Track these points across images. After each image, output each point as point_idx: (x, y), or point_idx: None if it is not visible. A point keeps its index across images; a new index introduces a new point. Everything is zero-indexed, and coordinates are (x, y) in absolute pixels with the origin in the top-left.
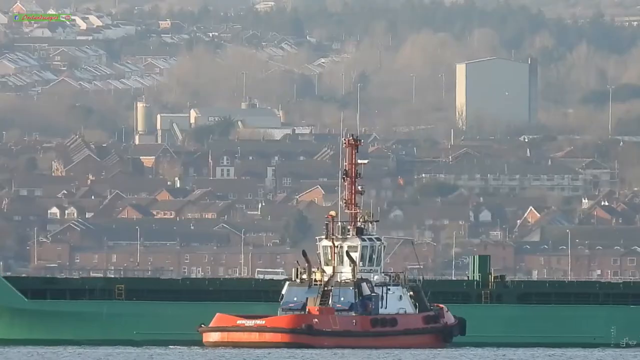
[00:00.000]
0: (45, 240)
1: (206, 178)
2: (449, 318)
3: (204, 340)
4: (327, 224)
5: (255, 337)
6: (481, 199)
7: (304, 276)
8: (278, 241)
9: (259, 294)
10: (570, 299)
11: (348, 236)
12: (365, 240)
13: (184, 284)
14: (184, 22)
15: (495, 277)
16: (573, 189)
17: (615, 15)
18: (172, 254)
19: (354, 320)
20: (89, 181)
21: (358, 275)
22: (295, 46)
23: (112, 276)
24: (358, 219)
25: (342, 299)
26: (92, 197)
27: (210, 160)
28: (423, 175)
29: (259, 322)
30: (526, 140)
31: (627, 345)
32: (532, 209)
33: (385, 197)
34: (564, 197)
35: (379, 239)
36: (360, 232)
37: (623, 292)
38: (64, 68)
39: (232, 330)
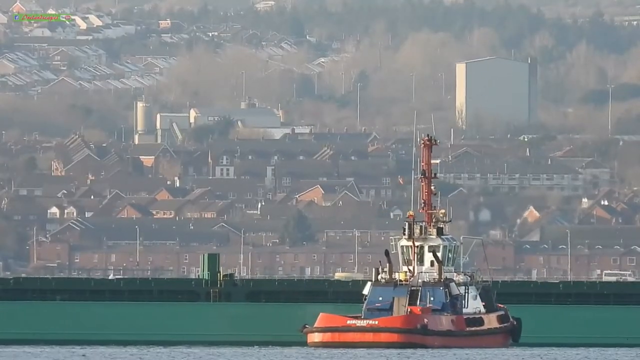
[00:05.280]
0: (44, 240)
1: (206, 177)
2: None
3: (308, 340)
4: (407, 224)
5: (369, 337)
6: (481, 198)
7: (382, 275)
8: (277, 241)
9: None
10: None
11: (429, 236)
12: (445, 241)
13: None
14: (184, 21)
15: (224, 276)
16: (573, 189)
17: (614, 14)
18: (171, 253)
19: (452, 320)
20: (88, 181)
21: (443, 275)
22: (295, 46)
23: None
24: (432, 219)
25: (432, 299)
26: (92, 197)
27: (209, 160)
28: None
29: (371, 322)
30: (526, 139)
31: None
32: (532, 208)
33: (385, 197)
34: (563, 196)
35: (454, 239)
36: (440, 232)
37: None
38: (64, 68)
39: (343, 330)
